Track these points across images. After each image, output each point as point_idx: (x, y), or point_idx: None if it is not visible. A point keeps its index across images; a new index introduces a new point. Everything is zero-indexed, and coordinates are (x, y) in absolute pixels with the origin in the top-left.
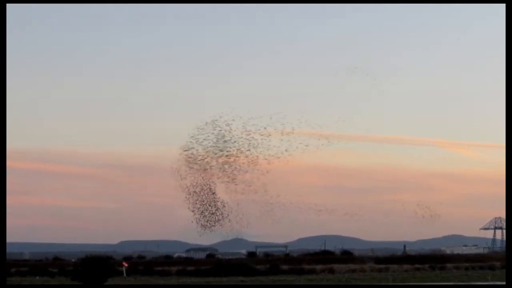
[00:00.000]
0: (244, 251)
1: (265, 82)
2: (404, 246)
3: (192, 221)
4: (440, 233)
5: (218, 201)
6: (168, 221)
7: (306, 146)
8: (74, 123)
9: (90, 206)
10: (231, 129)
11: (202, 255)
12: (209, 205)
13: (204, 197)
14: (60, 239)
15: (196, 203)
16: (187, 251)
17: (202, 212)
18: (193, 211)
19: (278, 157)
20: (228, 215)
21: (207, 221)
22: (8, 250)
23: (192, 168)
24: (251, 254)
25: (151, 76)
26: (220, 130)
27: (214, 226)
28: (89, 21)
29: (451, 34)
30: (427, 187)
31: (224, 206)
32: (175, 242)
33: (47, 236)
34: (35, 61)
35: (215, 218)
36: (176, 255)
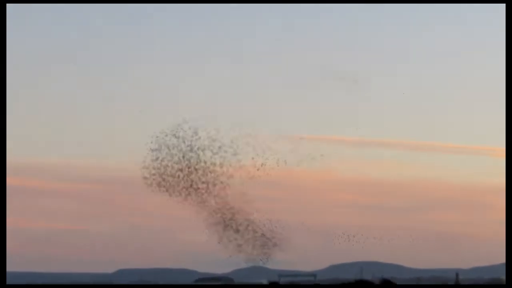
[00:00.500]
0: (264, 281)
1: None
2: (457, 274)
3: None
4: (499, 259)
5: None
6: (173, 246)
7: (333, 155)
8: (57, 129)
9: (79, 229)
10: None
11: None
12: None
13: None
14: (44, 268)
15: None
16: (196, 281)
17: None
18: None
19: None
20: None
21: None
22: None
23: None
24: (273, 285)
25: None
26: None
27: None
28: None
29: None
30: (483, 204)
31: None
32: (182, 270)
33: (28, 264)
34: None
35: (268, 243)
36: None
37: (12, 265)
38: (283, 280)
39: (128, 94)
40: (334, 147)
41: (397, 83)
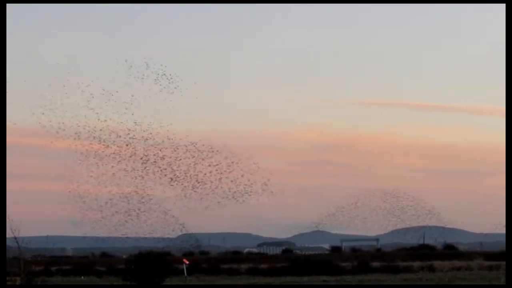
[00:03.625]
0: (327, 246)
1: None
2: None
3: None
4: None
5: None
6: (237, 210)
7: (400, 120)
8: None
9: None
10: None
11: (277, 251)
12: None
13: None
14: (108, 232)
15: None
16: (259, 245)
17: None
18: None
19: (364, 134)
20: None
21: None
22: (48, 245)
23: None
24: (336, 249)
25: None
26: None
27: None
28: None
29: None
30: None
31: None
32: (245, 235)
33: (92, 229)
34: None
35: None
36: (246, 250)
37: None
38: (345, 245)
39: None
40: (398, 112)
41: (462, 49)
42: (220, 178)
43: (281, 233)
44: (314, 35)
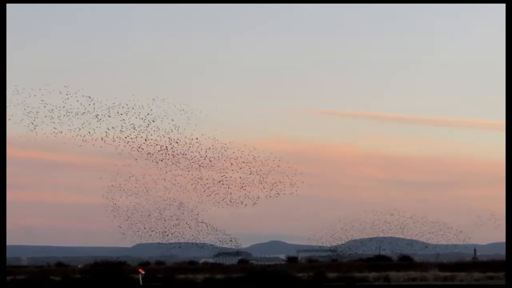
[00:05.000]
0: (283, 256)
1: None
2: (475, 250)
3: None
4: None
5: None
6: (194, 220)
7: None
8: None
9: (99, 203)
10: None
11: (233, 261)
12: None
13: None
14: (64, 242)
15: None
16: (216, 255)
17: None
18: None
19: (326, 145)
20: None
21: None
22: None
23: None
24: (292, 260)
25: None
26: None
27: None
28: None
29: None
30: (504, 180)
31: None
32: (201, 245)
33: (48, 238)
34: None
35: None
36: (202, 260)
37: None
38: (301, 255)
39: None
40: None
41: (423, 61)
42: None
43: (238, 243)
44: (281, 46)
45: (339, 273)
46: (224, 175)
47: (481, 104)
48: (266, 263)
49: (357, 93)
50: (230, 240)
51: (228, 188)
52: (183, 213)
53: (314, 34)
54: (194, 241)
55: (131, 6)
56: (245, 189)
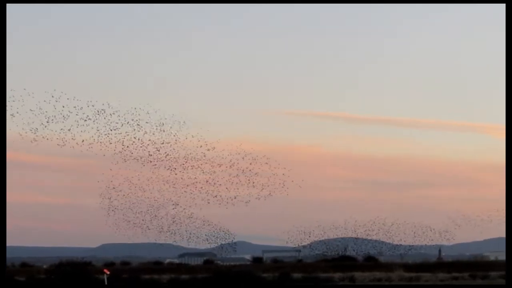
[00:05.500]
0: (248, 257)
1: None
2: (439, 251)
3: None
4: (482, 236)
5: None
6: (158, 221)
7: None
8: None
9: (64, 203)
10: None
11: (198, 261)
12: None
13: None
14: (28, 242)
15: None
16: (181, 256)
17: None
18: None
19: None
20: None
21: None
22: None
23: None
24: (257, 260)
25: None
26: None
27: None
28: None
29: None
30: (469, 181)
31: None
32: (166, 245)
33: (12, 238)
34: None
35: None
36: (167, 261)
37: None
38: (267, 256)
39: None
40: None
41: (390, 62)
42: (145, 189)
43: (203, 244)
44: (248, 45)
45: (304, 274)
46: (190, 176)
47: (448, 105)
48: (232, 263)
49: (324, 94)
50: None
51: (195, 188)
52: (157, 213)
53: (281, 34)
54: (158, 241)
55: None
56: (211, 190)
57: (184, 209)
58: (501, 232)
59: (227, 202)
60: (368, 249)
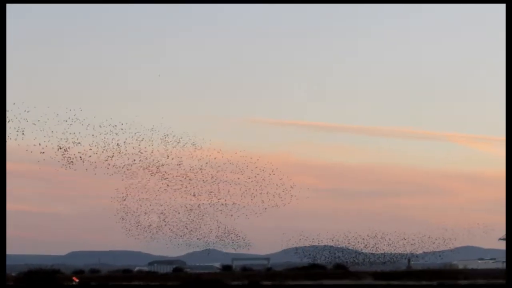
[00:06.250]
0: (217, 264)
1: None
2: (409, 260)
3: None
4: (451, 244)
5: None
6: (126, 229)
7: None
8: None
9: (33, 211)
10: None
11: (167, 269)
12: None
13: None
14: None
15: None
16: (150, 264)
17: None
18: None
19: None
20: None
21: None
22: None
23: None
24: (226, 268)
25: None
26: None
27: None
28: None
29: (452, 34)
30: (437, 190)
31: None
32: (136, 253)
33: None
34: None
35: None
36: (136, 268)
37: None
38: (236, 264)
39: None
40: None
41: (358, 71)
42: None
43: (172, 252)
44: (212, 52)
45: (274, 282)
46: (157, 183)
47: (414, 114)
48: (201, 271)
49: (292, 102)
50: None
51: (160, 196)
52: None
53: (247, 40)
54: (127, 249)
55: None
56: (180, 197)
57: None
58: (470, 241)
59: (193, 210)
60: (337, 258)
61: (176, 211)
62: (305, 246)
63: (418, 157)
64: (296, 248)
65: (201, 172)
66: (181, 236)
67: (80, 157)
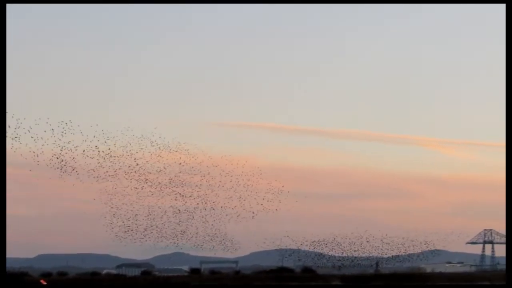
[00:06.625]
0: (186, 267)
1: None
2: (377, 263)
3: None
4: (419, 248)
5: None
6: (95, 232)
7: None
8: None
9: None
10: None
11: (136, 272)
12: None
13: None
14: None
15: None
16: (118, 267)
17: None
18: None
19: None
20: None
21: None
22: None
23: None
24: (195, 271)
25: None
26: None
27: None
28: None
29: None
30: (404, 193)
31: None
32: (104, 256)
33: None
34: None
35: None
36: (104, 271)
37: None
38: (204, 267)
39: None
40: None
41: (326, 74)
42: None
43: (140, 255)
44: (178, 58)
45: (242, 284)
46: (123, 184)
47: (381, 117)
48: (169, 274)
49: (259, 105)
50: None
51: (124, 199)
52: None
53: (214, 45)
54: (95, 252)
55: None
56: (144, 201)
57: (118, 219)
58: (438, 245)
59: (163, 213)
60: (305, 261)
61: (144, 213)
62: (273, 250)
63: (386, 160)
64: (265, 251)
65: (164, 173)
66: (149, 239)
67: (54, 159)
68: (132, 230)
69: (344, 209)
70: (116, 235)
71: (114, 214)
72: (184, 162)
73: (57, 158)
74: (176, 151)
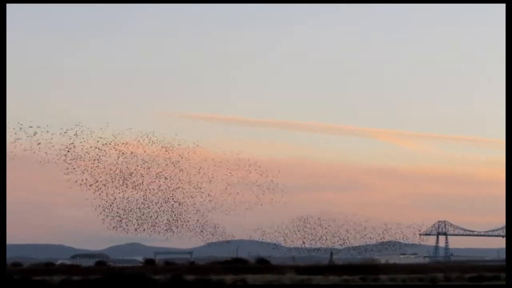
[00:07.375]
0: (140, 258)
1: None
2: (331, 254)
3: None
4: (373, 239)
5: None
6: (49, 222)
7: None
8: None
9: None
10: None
11: (90, 263)
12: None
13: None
14: None
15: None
16: (73, 257)
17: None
18: None
19: (184, 146)
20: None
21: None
22: None
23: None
24: (149, 262)
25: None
26: None
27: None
28: None
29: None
30: (359, 185)
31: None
32: (58, 246)
33: None
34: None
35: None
36: (59, 262)
37: None
38: (159, 258)
39: None
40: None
41: (279, 63)
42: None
43: (95, 245)
44: (138, 47)
45: (197, 276)
46: (78, 178)
47: (334, 109)
48: (124, 265)
49: (210, 96)
50: None
51: (81, 190)
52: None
53: (173, 34)
54: (49, 242)
55: None
56: (97, 191)
57: (72, 209)
58: (392, 236)
59: (116, 204)
60: (259, 252)
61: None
62: (228, 240)
63: (340, 152)
64: (219, 242)
65: (127, 166)
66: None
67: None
68: (89, 221)
69: (298, 200)
70: (73, 226)
71: (71, 205)
72: (137, 153)
73: (11, 152)
74: (127, 143)
